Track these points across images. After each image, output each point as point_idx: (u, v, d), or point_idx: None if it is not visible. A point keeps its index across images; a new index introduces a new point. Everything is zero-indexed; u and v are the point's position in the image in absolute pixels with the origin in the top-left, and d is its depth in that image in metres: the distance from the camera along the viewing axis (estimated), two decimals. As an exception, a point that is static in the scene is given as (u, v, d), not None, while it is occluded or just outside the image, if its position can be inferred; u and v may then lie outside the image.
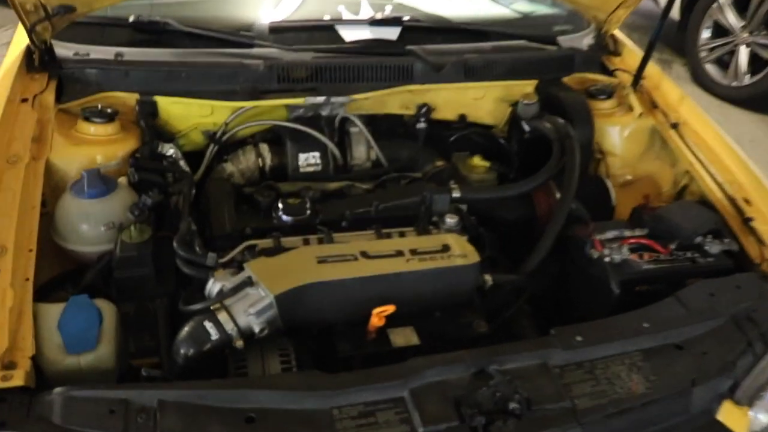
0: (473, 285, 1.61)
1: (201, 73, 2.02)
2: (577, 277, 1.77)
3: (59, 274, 1.69)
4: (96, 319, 1.47)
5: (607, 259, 1.68)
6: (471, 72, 2.20)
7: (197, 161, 2.03)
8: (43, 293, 1.60)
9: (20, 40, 2.07)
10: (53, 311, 1.48)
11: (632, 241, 1.72)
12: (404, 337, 1.55)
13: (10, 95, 1.87)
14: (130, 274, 1.60)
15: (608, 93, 2.27)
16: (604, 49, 2.45)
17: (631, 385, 1.37)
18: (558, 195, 1.93)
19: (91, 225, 1.67)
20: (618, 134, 2.20)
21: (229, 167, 2.01)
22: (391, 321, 1.52)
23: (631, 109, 2.24)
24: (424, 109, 2.15)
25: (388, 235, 1.71)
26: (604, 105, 2.24)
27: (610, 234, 1.76)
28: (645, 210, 1.85)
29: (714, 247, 1.73)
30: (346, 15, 2.29)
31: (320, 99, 2.03)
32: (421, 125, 2.16)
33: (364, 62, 2.12)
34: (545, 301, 1.84)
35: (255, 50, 2.12)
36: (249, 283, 1.46)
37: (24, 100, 1.89)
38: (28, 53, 2.02)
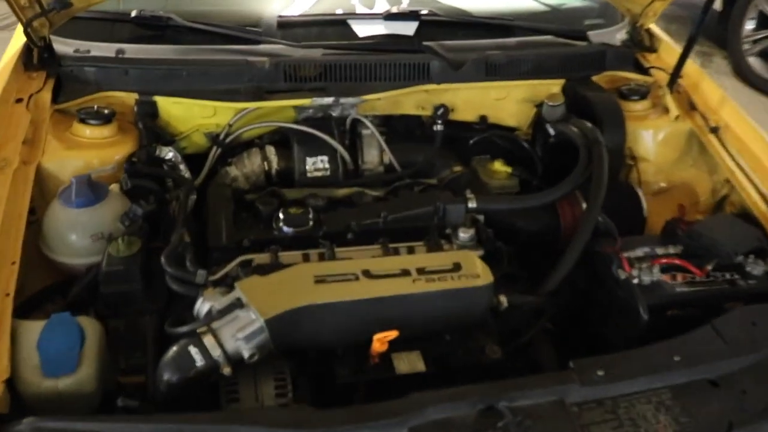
0: (486, 307, 1.47)
1: (203, 72, 1.92)
2: (602, 298, 1.62)
3: (46, 287, 1.60)
4: (77, 339, 1.38)
5: (635, 281, 1.52)
6: (493, 70, 2.05)
7: (200, 165, 1.92)
8: (28, 307, 1.52)
9: (18, 36, 1.98)
10: (33, 329, 1.39)
11: (665, 261, 1.55)
12: (409, 363, 1.43)
13: (4, 95, 1.78)
14: (116, 290, 1.50)
15: (642, 93, 2.10)
16: (639, 44, 2.28)
17: (658, 428, 1.22)
18: (584, 205, 1.77)
19: (78, 235, 1.58)
20: (652, 138, 2.03)
21: (233, 171, 1.90)
22: (397, 344, 1.40)
23: (666, 111, 2.07)
24: (441, 110, 2.01)
25: (396, 250, 1.58)
26: (637, 106, 2.07)
27: (640, 251, 1.60)
28: (680, 224, 1.68)
29: (757, 269, 1.56)
30: (360, 9, 2.16)
31: (329, 100, 1.91)
32: (438, 127, 2.01)
33: (378, 60, 1.99)
34: (567, 322, 1.69)
35: (261, 47, 2.01)
36: (239, 304, 1.34)
37: (19, 100, 1.80)
38: (26, 50, 1.93)
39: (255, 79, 1.91)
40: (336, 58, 2.00)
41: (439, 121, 2.01)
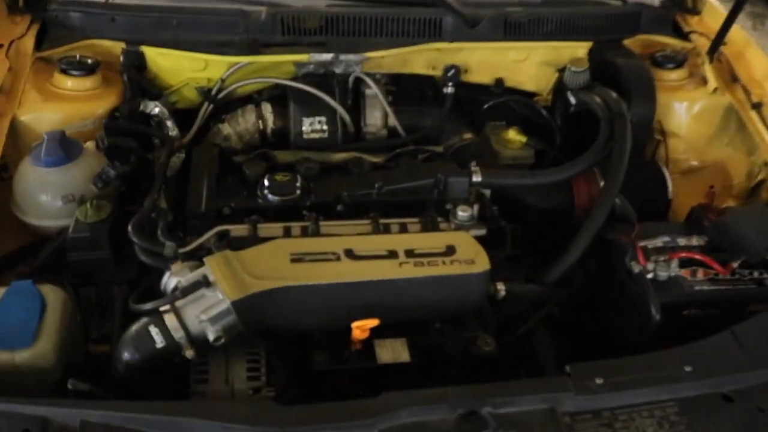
0: (480, 296, 1.34)
1: (195, 22, 1.78)
2: (612, 291, 1.47)
3: (16, 249, 1.51)
4: (36, 311, 1.29)
5: (650, 275, 1.37)
6: (512, 29, 1.87)
7: (193, 122, 1.80)
8: (-2, 268, 1.43)
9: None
10: (-7, 296, 1.31)
11: (684, 255, 1.39)
12: (393, 351, 1.31)
13: None
14: (84, 257, 1.40)
15: (678, 61, 1.91)
16: (679, 5, 2.06)
17: (658, 446, 1.09)
18: (602, 184, 1.61)
19: (49, 196, 1.48)
20: (685, 112, 1.85)
21: (225, 129, 1.77)
22: (381, 330, 1.28)
23: (704, 81, 1.88)
24: (452, 71, 1.84)
25: (387, 227, 1.44)
26: (671, 75, 1.89)
27: (659, 241, 1.44)
28: (707, 212, 1.50)
29: (790, 269, 1.40)
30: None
31: (329, 56, 1.76)
32: (449, 89, 1.85)
33: (385, 13, 1.83)
34: (572, 310, 1.55)
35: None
36: (206, 282, 1.23)
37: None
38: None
39: (250, 31, 1.77)
40: (339, 10, 1.83)
41: (450, 83, 1.84)
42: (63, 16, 1.78)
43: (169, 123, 1.71)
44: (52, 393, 1.22)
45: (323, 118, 1.76)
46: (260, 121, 1.78)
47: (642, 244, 1.43)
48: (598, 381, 1.14)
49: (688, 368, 1.17)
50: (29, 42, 1.74)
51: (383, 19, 1.81)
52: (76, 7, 1.79)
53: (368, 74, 1.80)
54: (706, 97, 1.84)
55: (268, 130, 1.79)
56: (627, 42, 1.94)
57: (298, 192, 1.50)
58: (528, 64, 1.91)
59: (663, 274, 1.36)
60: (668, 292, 1.35)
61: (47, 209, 1.49)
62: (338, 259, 1.29)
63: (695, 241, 1.44)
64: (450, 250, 1.33)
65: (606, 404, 1.13)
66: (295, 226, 1.42)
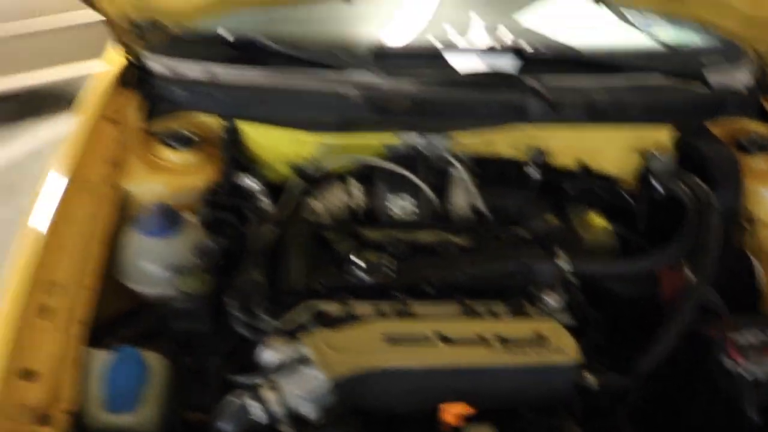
0: (570, 386, 1.34)
1: (290, 100, 1.86)
2: (702, 389, 1.44)
3: (121, 314, 1.58)
4: (142, 377, 1.37)
5: (745, 374, 1.35)
6: (596, 113, 1.90)
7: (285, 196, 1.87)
8: (98, 334, 1.50)
9: (110, 52, 1.99)
10: (101, 360, 1.39)
11: (783, 352, 1.37)
12: (480, 438, 1.31)
13: (93, 112, 1.78)
14: (185, 327, 1.47)
15: (765, 146, 1.89)
16: (766, 89, 2.05)
17: None
18: (687, 272, 1.60)
19: (151, 265, 1.55)
20: (773, 199, 1.82)
21: (315, 205, 1.83)
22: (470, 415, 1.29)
23: (795, 168, 1.86)
24: (536, 154, 1.87)
25: (475, 311, 1.46)
26: (759, 162, 1.87)
27: (752, 336, 1.42)
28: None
29: None
30: (458, 42, 2.04)
31: (418, 137, 1.82)
32: (533, 172, 1.88)
33: (472, 96, 1.88)
34: (655, 406, 1.53)
35: (352, 76, 1.92)
36: (303, 360, 1.27)
37: (107, 119, 1.80)
38: (118, 67, 1.93)
39: (343, 110, 1.84)
40: (428, 92, 1.90)
41: (534, 166, 1.88)
42: (167, 92, 1.90)
43: (263, 198, 1.78)
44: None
45: (410, 197, 1.80)
46: (349, 198, 1.83)
47: (733, 338, 1.41)
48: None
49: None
50: (136, 115, 1.85)
51: (471, 101, 1.87)
52: (180, 84, 1.90)
53: (454, 155, 1.85)
54: (797, 185, 1.82)
55: (356, 207, 1.84)
56: (712, 126, 1.94)
57: (388, 272, 1.54)
58: (611, 149, 1.92)
59: (760, 373, 1.34)
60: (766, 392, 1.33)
61: (149, 276, 1.56)
62: (433, 343, 1.32)
63: (793, 336, 1.42)
64: (540, 339, 1.34)
65: None
66: (386, 307, 1.45)
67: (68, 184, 1.58)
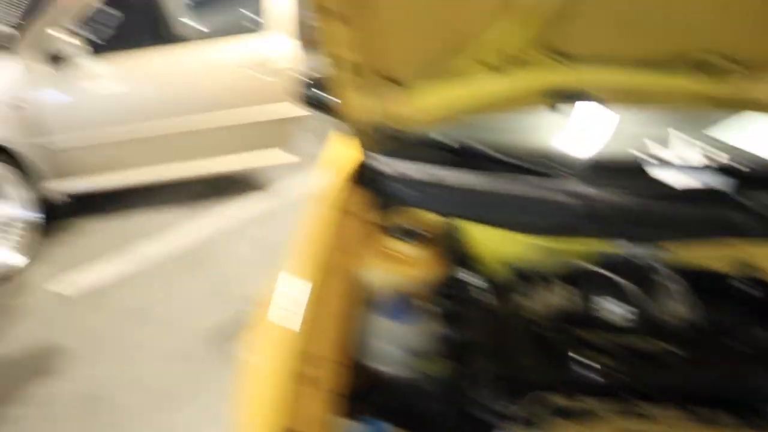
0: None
1: (509, 203, 2.02)
2: None
3: (361, 389, 1.73)
4: (386, 448, 1.49)
5: None
6: None
7: (498, 293, 2.00)
8: (344, 406, 1.65)
9: (345, 152, 2.25)
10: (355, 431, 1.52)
11: None
12: None
13: (337, 206, 2.02)
14: (424, 406, 1.59)
15: None
16: None
17: None
18: None
19: (390, 345, 1.71)
20: None
21: (528, 303, 1.95)
22: None
23: None
24: (749, 271, 1.90)
25: (708, 419, 1.50)
26: None
27: None
28: None
29: None
30: (660, 153, 2.14)
31: (634, 247, 1.91)
32: (746, 288, 1.90)
33: (684, 209, 1.96)
34: None
35: (565, 184, 2.06)
36: (547, 451, 1.36)
37: (347, 212, 2.03)
38: (354, 166, 2.18)
39: (560, 216, 1.97)
40: (639, 203, 1.99)
41: (747, 282, 1.90)
42: (395, 190, 2.12)
43: (485, 294, 1.92)
44: None
45: (621, 303, 1.87)
46: (559, 299, 1.94)
47: None
48: None
49: None
50: (369, 209, 2.08)
51: (681, 214, 1.94)
52: (406, 183, 2.11)
53: (665, 265, 1.92)
54: None
55: (566, 309, 1.93)
56: None
57: (612, 372, 1.61)
58: (828, 268, 1.92)
59: None
60: None
61: (386, 356, 1.72)
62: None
63: None
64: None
65: None
66: (617, 406, 1.52)
67: (320, 268, 1.80)
